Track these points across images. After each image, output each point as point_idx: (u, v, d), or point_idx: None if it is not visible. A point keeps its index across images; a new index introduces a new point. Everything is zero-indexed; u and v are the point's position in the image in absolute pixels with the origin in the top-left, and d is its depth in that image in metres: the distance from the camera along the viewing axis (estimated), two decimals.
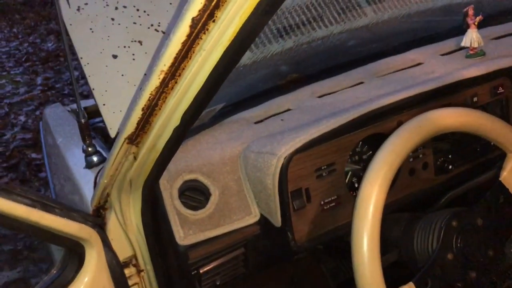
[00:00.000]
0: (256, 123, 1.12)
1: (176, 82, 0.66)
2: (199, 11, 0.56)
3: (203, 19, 0.57)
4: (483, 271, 0.89)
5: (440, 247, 0.86)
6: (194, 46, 0.61)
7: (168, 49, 0.61)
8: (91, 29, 1.15)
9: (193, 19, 0.57)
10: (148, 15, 1.21)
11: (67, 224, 0.77)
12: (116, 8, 1.20)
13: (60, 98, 3.81)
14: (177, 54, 0.61)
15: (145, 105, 0.70)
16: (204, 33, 0.59)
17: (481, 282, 0.89)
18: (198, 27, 0.58)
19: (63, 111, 1.63)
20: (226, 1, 0.55)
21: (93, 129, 1.50)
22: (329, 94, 1.19)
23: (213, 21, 0.57)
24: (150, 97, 0.69)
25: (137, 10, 1.21)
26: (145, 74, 1.08)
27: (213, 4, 0.56)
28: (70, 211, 0.79)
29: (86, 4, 1.19)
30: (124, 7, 1.21)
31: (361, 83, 1.22)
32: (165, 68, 0.64)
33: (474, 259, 0.87)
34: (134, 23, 1.19)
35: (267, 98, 1.21)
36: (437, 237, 0.87)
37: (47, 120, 1.60)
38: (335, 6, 1.33)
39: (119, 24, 1.18)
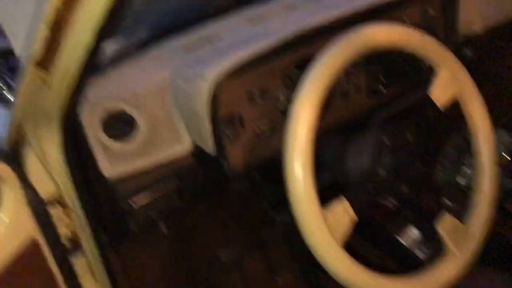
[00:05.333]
0: (185, 50, 1.05)
1: None
2: None
3: None
4: (415, 186, 0.91)
5: (372, 164, 0.86)
6: None
7: None
8: None
9: None
10: None
11: None
12: None
13: None
14: None
15: (49, 20, 0.62)
16: None
17: (413, 197, 0.91)
18: None
19: None
20: None
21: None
22: (261, 20, 1.14)
23: None
24: (55, 11, 0.61)
25: None
26: None
27: None
28: None
29: None
30: None
31: (295, 7, 1.18)
32: None
33: (406, 174, 0.88)
34: None
35: (196, 25, 1.14)
36: (369, 154, 0.86)
37: None
38: None
39: None
